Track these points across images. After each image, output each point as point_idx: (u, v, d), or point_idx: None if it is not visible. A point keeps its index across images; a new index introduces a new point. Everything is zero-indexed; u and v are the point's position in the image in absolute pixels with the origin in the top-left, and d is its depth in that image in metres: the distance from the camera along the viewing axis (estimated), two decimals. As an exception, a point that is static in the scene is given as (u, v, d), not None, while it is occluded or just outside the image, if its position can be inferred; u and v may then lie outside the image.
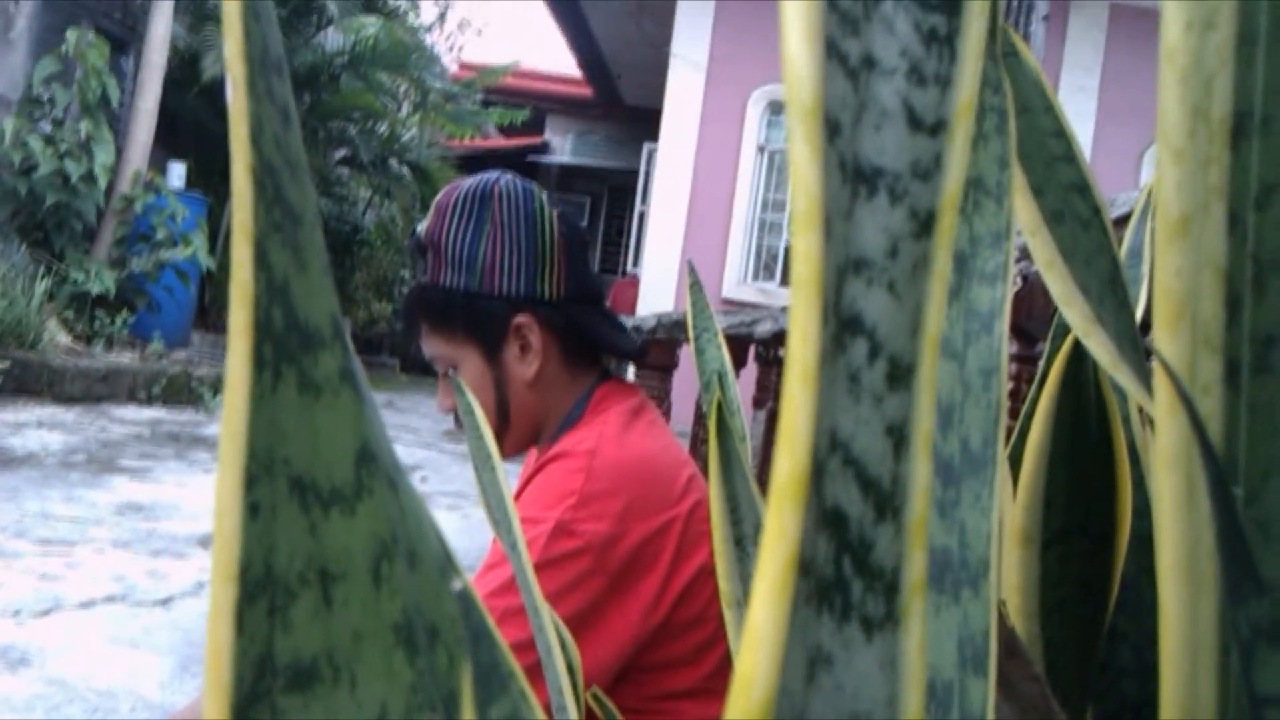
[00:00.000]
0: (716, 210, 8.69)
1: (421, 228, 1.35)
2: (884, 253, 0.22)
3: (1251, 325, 0.31)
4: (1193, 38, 0.32)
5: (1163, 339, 0.31)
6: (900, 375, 0.22)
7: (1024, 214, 0.56)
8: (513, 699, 0.17)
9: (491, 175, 1.36)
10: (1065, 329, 0.73)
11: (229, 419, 0.20)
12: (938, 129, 0.23)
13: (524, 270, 1.30)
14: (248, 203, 0.20)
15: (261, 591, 0.20)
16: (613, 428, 1.26)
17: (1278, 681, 0.25)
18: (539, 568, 1.12)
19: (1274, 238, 0.32)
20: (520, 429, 1.35)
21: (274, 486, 0.20)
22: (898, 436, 0.22)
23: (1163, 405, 0.30)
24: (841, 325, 0.21)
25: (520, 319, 1.30)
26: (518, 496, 1.36)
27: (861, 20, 0.23)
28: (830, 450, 0.21)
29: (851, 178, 0.22)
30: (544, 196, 1.35)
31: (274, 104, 0.22)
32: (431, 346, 1.35)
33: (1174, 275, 0.31)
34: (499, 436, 1.34)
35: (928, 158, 0.23)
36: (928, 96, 0.23)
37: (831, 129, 0.21)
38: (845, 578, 0.21)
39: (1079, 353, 0.67)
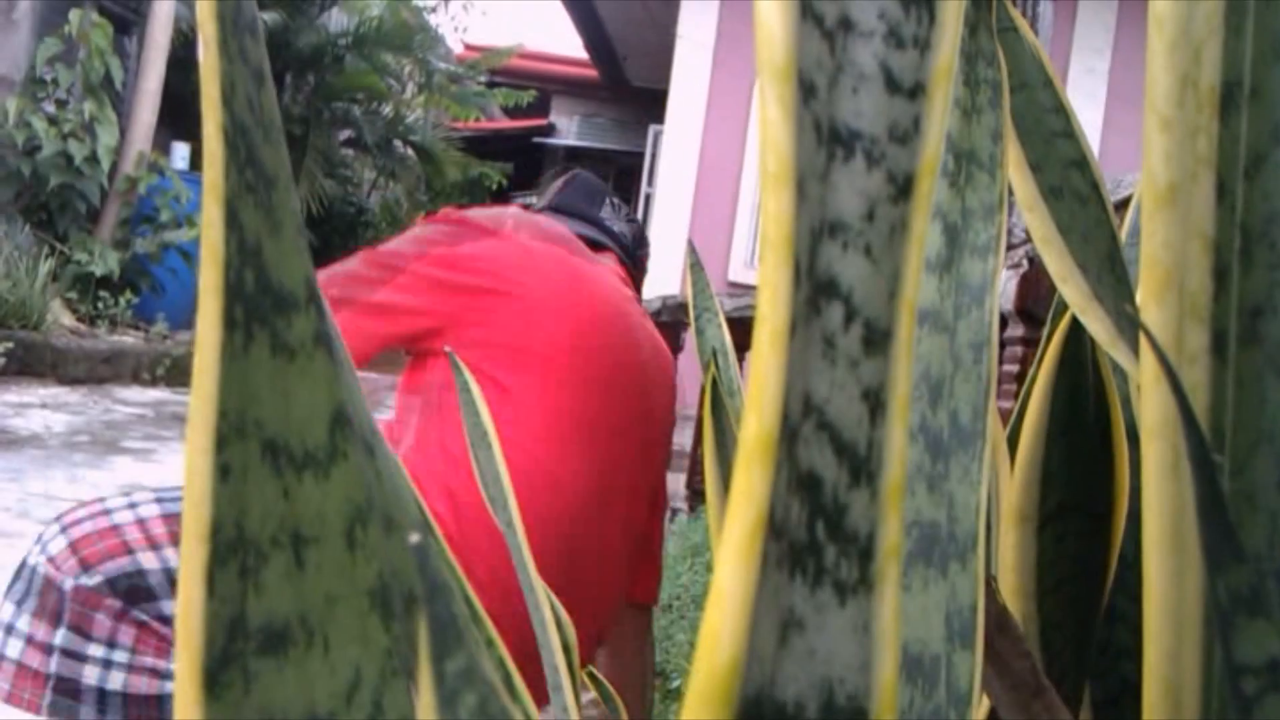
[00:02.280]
0: (723, 193, 8.65)
1: None
2: (861, 216, 0.22)
3: (1239, 295, 0.31)
4: (1181, 5, 0.31)
5: (1149, 309, 0.31)
6: (877, 340, 0.22)
7: (1022, 189, 0.56)
8: (468, 651, 0.17)
9: None
10: (1064, 307, 0.73)
11: (199, 380, 0.19)
12: (916, 92, 0.23)
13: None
14: (219, 162, 0.20)
15: (233, 553, 0.20)
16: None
17: (1256, 650, 0.25)
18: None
19: (1263, 208, 0.31)
20: None
21: (245, 448, 0.20)
22: (874, 401, 0.22)
23: (1148, 375, 0.30)
24: (816, 289, 0.21)
25: None
26: None
27: (840, -18, 0.23)
28: (804, 414, 0.21)
29: (827, 140, 0.22)
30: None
31: (247, 65, 0.22)
32: None
33: (1161, 245, 0.31)
34: None
35: (906, 121, 0.23)
36: (906, 59, 0.23)
37: (807, 91, 0.21)
38: (818, 542, 0.21)
39: (1076, 330, 0.66)
